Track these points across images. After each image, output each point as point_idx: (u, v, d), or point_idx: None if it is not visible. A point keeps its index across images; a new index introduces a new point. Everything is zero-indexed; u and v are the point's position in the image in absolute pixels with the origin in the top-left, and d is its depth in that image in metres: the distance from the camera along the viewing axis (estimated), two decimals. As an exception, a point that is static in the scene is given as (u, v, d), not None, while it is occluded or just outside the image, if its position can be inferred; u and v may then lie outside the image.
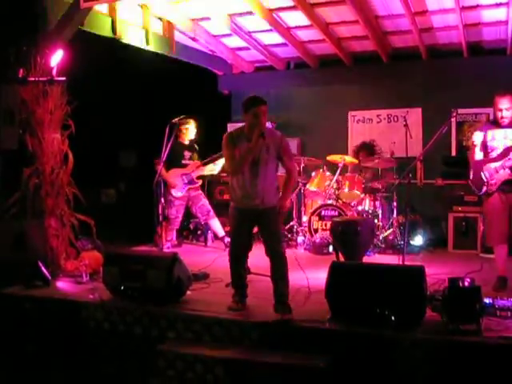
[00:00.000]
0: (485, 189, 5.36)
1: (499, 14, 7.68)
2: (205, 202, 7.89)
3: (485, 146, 5.44)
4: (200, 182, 7.83)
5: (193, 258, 7.07)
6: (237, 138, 4.73)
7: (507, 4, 7.24)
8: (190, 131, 7.74)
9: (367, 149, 9.01)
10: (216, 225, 7.91)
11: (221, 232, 7.91)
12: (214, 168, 7.83)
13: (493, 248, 5.56)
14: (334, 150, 8.49)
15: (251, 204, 4.73)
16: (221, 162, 7.68)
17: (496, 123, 5.44)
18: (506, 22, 7.82)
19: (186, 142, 7.78)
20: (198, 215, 7.88)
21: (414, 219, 7.98)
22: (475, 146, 5.48)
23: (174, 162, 7.55)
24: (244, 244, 4.89)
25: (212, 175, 8.31)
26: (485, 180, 5.34)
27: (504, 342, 3.87)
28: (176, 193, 7.61)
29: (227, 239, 7.84)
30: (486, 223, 5.51)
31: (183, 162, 7.73)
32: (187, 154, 7.77)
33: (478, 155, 5.46)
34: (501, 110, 5.29)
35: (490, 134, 5.40)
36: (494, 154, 5.37)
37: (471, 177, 5.53)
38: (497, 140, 5.37)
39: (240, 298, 4.88)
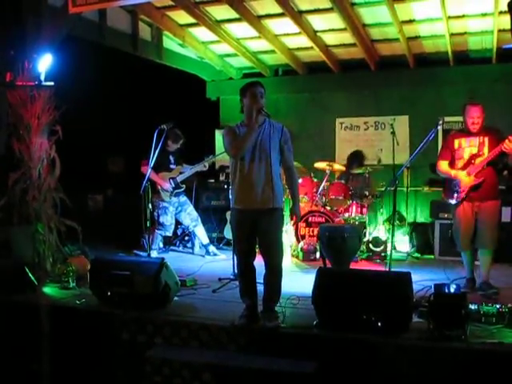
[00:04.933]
0: (455, 197, 5.51)
1: (485, 23, 7.77)
2: (192, 207, 7.93)
3: (452, 155, 5.60)
4: (184, 186, 7.84)
5: (180, 263, 7.08)
6: (237, 129, 4.61)
7: (492, 14, 7.33)
8: (178, 145, 7.75)
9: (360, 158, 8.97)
10: (203, 231, 7.92)
11: (205, 239, 7.92)
12: (199, 166, 7.92)
13: (460, 253, 5.77)
14: (322, 157, 8.53)
15: (251, 203, 4.52)
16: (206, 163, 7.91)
17: (463, 131, 5.63)
18: (491, 32, 7.91)
19: (171, 150, 7.78)
20: (187, 221, 7.84)
21: (401, 226, 8.03)
22: (444, 149, 5.73)
23: (162, 166, 7.57)
24: (246, 249, 4.64)
25: (199, 181, 8.34)
26: (455, 189, 5.50)
27: (489, 348, 3.91)
28: (166, 197, 7.61)
29: (212, 249, 7.86)
30: (454, 230, 5.70)
31: (170, 166, 7.75)
32: (172, 158, 7.78)
33: (443, 163, 5.63)
34: (473, 118, 5.43)
35: (457, 142, 5.57)
36: (459, 163, 5.53)
37: (445, 187, 5.73)
38: (462, 148, 5.53)
39: (247, 313, 4.57)
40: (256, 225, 4.53)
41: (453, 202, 5.55)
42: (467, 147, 5.51)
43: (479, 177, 5.37)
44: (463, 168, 5.48)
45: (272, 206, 4.52)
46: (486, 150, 5.41)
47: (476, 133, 5.47)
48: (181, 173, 7.79)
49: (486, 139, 5.42)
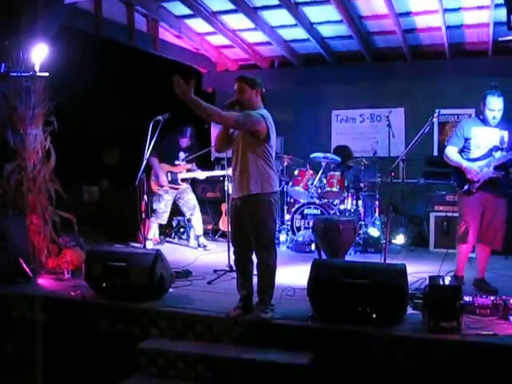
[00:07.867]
0: (467, 186, 5.27)
1: (481, 16, 7.76)
2: (192, 196, 7.84)
3: (466, 142, 5.34)
4: (183, 185, 7.72)
5: (175, 255, 7.08)
6: None
7: (489, 7, 7.32)
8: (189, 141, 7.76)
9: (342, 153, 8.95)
10: (198, 222, 7.87)
11: (199, 231, 7.88)
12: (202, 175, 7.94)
13: (458, 245, 5.46)
14: (318, 149, 8.52)
15: (236, 191, 4.58)
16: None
17: (483, 120, 5.33)
18: (487, 25, 7.90)
19: (184, 145, 7.74)
20: (185, 209, 7.79)
21: (396, 218, 8.04)
22: (457, 136, 5.40)
23: (168, 158, 7.58)
24: (239, 240, 4.65)
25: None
26: (468, 177, 5.25)
27: (483, 340, 3.93)
28: (154, 186, 7.58)
29: (202, 241, 7.84)
30: (461, 221, 5.40)
31: (176, 162, 7.70)
32: (182, 155, 7.76)
33: (453, 150, 5.37)
34: (494, 111, 5.18)
35: (475, 130, 5.29)
36: (475, 152, 5.29)
37: (457, 174, 5.42)
38: (480, 138, 5.27)
39: (241, 304, 4.60)
40: (243, 214, 4.53)
41: (463, 190, 5.30)
42: (487, 137, 5.25)
43: (499, 170, 5.19)
44: (481, 159, 5.24)
45: (251, 192, 4.47)
46: (505, 145, 5.18)
47: (495, 125, 5.25)
48: (188, 171, 7.76)
49: (506, 134, 5.21)
